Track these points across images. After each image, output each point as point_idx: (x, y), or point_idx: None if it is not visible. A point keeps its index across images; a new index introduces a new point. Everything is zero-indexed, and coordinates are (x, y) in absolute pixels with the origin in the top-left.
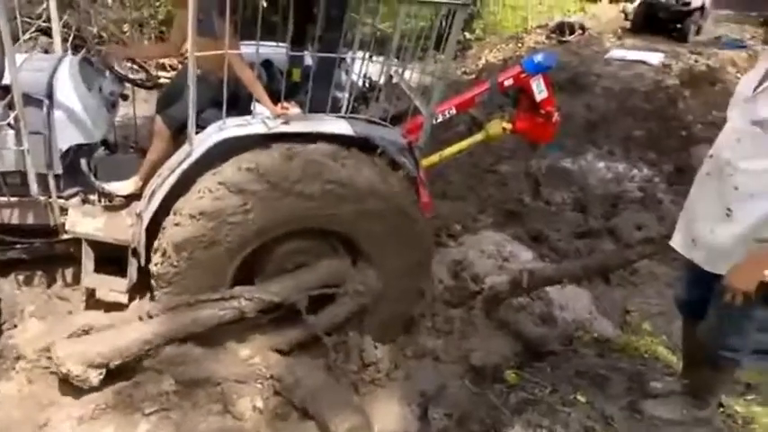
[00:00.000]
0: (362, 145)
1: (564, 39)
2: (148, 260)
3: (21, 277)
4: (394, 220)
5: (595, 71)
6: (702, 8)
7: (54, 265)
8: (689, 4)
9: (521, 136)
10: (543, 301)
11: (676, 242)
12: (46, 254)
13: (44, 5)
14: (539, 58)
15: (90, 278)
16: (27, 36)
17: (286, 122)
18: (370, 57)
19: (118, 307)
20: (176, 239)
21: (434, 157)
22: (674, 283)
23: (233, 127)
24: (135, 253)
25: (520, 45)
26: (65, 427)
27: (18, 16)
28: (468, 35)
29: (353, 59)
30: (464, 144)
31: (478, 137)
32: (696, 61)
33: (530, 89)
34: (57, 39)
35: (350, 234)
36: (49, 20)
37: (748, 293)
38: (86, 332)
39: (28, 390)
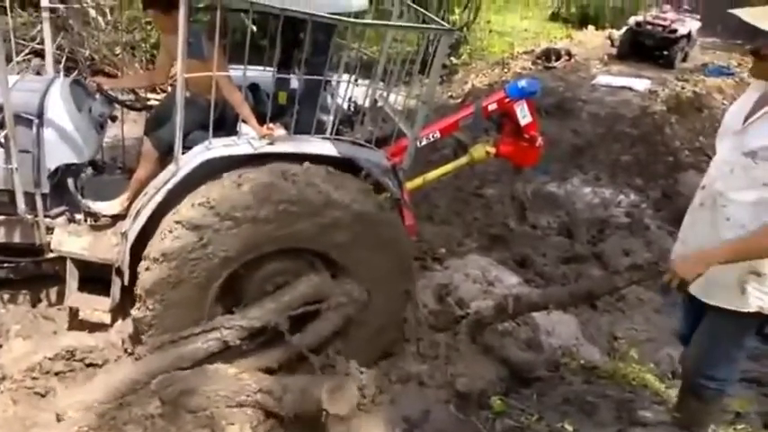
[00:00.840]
0: (347, 166)
1: (550, 65)
2: (133, 279)
3: (6, 296)
4: (358, 228)
5: (582, 97)
6: (689, 35)
7: (39, 284)
8: (675, 31)
9: (505, 160)
10: (529, 327)
11: None
12: (31, 273)
13: (38, 28)
14: (522, 83)
15: (74, 297)
16: (21, 58)
17: (271, 143)
18: (356, 80)
19: (101, 327)
20: (146, 285)
21: (418, 180)
22: (666, 310)
23: (219, 147)
24: (119, 272)
25: (506, 70)
26: None
27: (12, 38)
28: (454, 60)
29: (339, 83)
30: (449, 167)
31: (463, 160)
32: (683, 88)
33: (514, 114)
34: (49, 60)
35: (317, 248)
36: (42, 42)
37: (685, 282)
38: (72, 353)
39: (12, 410)
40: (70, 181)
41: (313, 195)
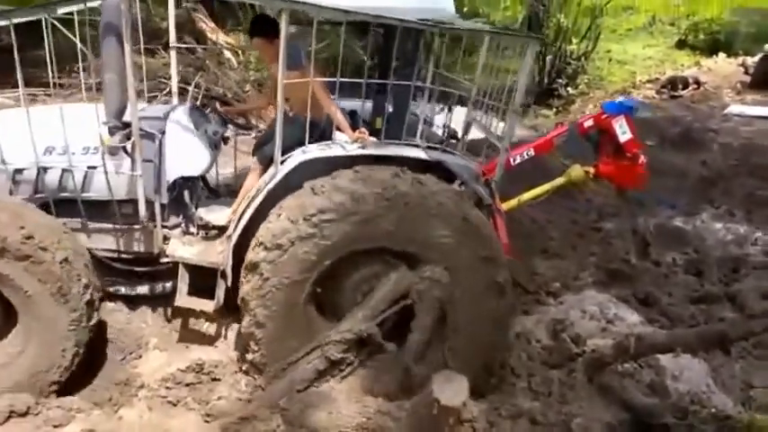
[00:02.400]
0: (438, 171)
1: (676, 93)
2: (236, 280)
3: (147, 312)
4: (456, 227)
5: (712, 126)
6: None
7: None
8: None
9: (607, 181)
10: (653, 369)
11: None
12: (168, 292)
13: (196, 74)
14: (620, 99)
15: (183, 299)
16: (162, 95)
17: (363, 147)
18: (450, 108)
19: (224, 342)
20: (253, 262)
21: (513, 202)
22: None
23: (315, 150)
24: (223, 275)
25: (649, 113)
26: None
27: (144, 77)
28: (571, 90)
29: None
30: (545, 187)
31: (559, 181)
32: None
33: (612, 131)
34: (174, 90)
35: (411, 248)
36: (182, 81)
37: None
38: (201, 366)
39: (148, 417)
40: (186, 194)
41: (422, 193)
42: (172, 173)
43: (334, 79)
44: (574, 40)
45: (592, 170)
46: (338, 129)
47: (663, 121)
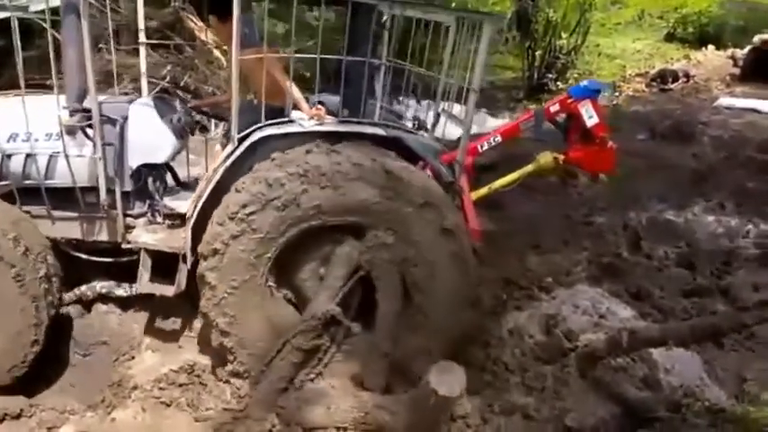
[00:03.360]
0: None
1: (666, 87)
2: (195, 262)
3: (140, 313)
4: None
5: (702, 119)
6: None
7: (167, 302)
8: None
9: (576, 167)
10: (646, 364)
11: None
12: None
13: (168, 68)
14: (585, 83)
15: (144, 286)
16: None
17: (320, 124)
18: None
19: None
20: (210, 239)
21: (484, 190)
22: None
23: (271, 127)
24: (184, 259)
25: (617, 94)
26: None
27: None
28: (561, 84)
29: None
30: (514, 175)
31: (529, 168)
32: None
33: (579, 115)
34: (144, 84)
35: (368, 221)
36: (171, 81)
37: None
38: (192, 367)
39: (142, 418)
40: (150, 182)
41: (336, 160)
42: (134, 160)
43: (288, 55)
44: (563, 35)
45: (562, 157)
46: (295, 107)
47: (653, 115)
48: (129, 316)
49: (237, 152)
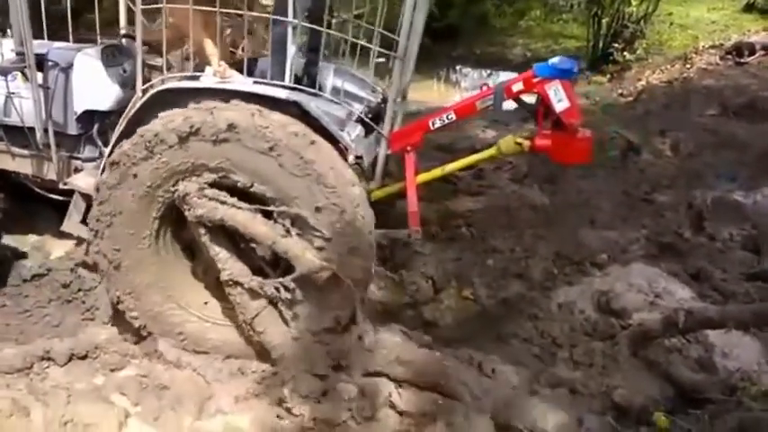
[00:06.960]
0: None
1: (742, 60)
2: None
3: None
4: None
5: None
6: None
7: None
8: None
9: (544, 155)
10: (702, 345)
11: None
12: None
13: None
14: (554, 60)
15: (70, 226)
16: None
17: (221, 81)
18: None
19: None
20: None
21: (437, 171)
22: None
23: (173, 81)
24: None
25: (688, 66)
26: (224, 403)
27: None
28: (627, 55)
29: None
30: (471, 159)
31: (488, 152)
32: None
33: (546, 97)
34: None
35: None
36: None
37: None
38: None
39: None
40: (95, 127)
41: (255, 124)
42: (79, 105)
43: (214, 9)
44: (633, 2)
45: (527, 143)
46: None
47: (726, 90)
48: None
49: (139, 104)
